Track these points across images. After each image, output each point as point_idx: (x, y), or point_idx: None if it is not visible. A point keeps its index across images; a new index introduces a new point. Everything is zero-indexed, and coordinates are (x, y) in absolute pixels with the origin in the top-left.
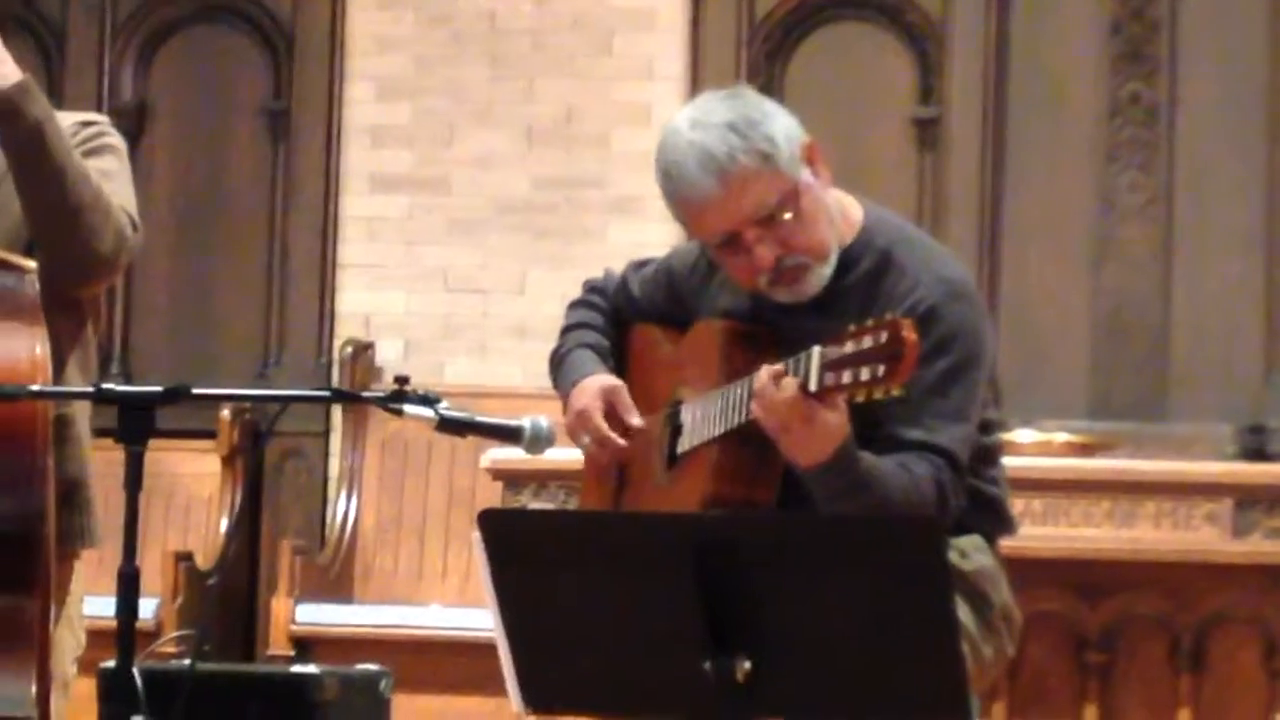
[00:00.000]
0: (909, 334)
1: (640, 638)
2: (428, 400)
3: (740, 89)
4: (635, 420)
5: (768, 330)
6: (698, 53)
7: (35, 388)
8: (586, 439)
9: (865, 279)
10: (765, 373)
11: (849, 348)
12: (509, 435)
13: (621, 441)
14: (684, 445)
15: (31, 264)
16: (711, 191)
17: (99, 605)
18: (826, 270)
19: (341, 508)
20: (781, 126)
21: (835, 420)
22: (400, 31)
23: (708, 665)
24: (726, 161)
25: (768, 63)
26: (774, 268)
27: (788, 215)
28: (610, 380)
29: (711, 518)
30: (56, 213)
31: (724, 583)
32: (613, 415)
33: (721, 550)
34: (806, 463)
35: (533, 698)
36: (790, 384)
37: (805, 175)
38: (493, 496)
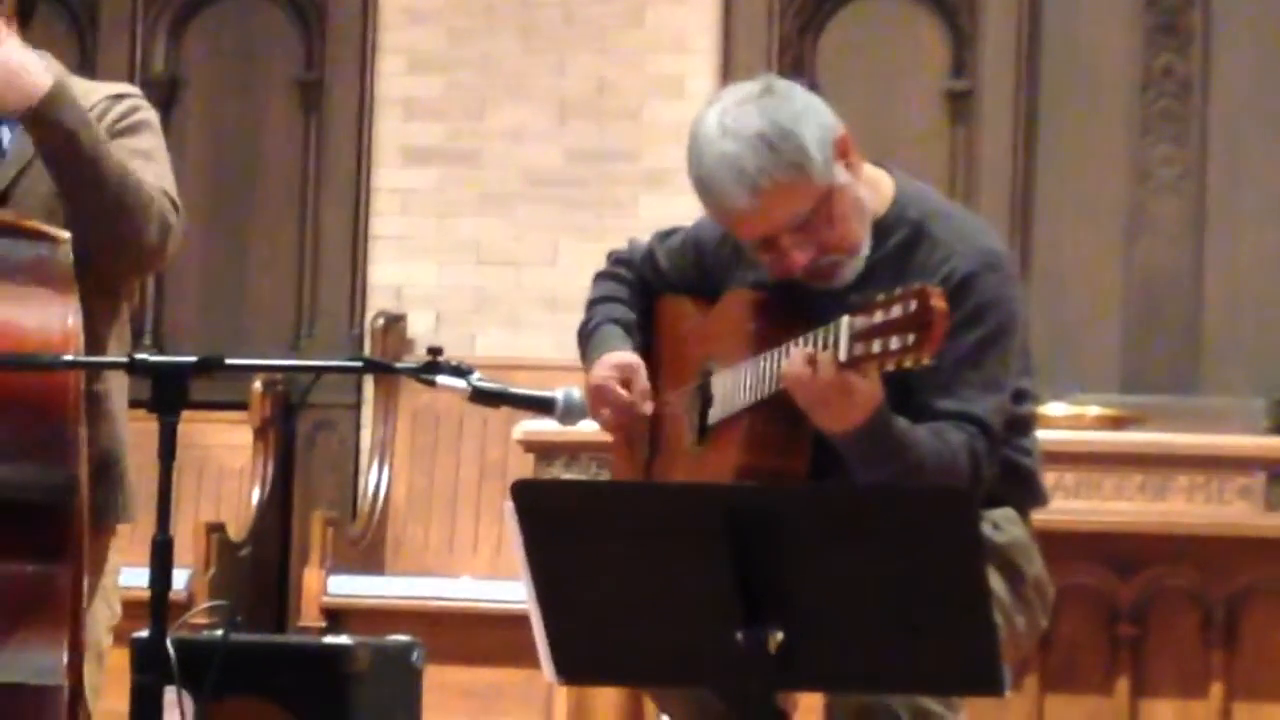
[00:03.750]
0: (938, 302)
1: (672, 608)
2: (460, 371)
3: (771, 83)
4: (646, 405)
5: (798, 301)
6: (729, 25)
7: (68, 357)
8: (606, 411)
9: (898, 251)
10: (798, 354)
11: (878, 317)
12: (541, 406)
13: (640, 408)
14: (715, 416)
15: (65, 234)
16: (746, 205)
17: (132, 575)
18: (860, 260)
19: (373, 479)
20: (814, 130)
21: (868, 387)
22: (432, 4)
23: (740, 636)
24: (759, 177)
25: (799, 35)
26: (809, 266)
27: (821, 219)
28: (627, 356)
29: (744, 488)
30: (99, 212)
31: (756, 553)
32: (627, 389)
33: (754, 520)
34: (840, 429)
35: (565, 668)
36: (826, 363)
37: (839, 175)
38: (524, 468)
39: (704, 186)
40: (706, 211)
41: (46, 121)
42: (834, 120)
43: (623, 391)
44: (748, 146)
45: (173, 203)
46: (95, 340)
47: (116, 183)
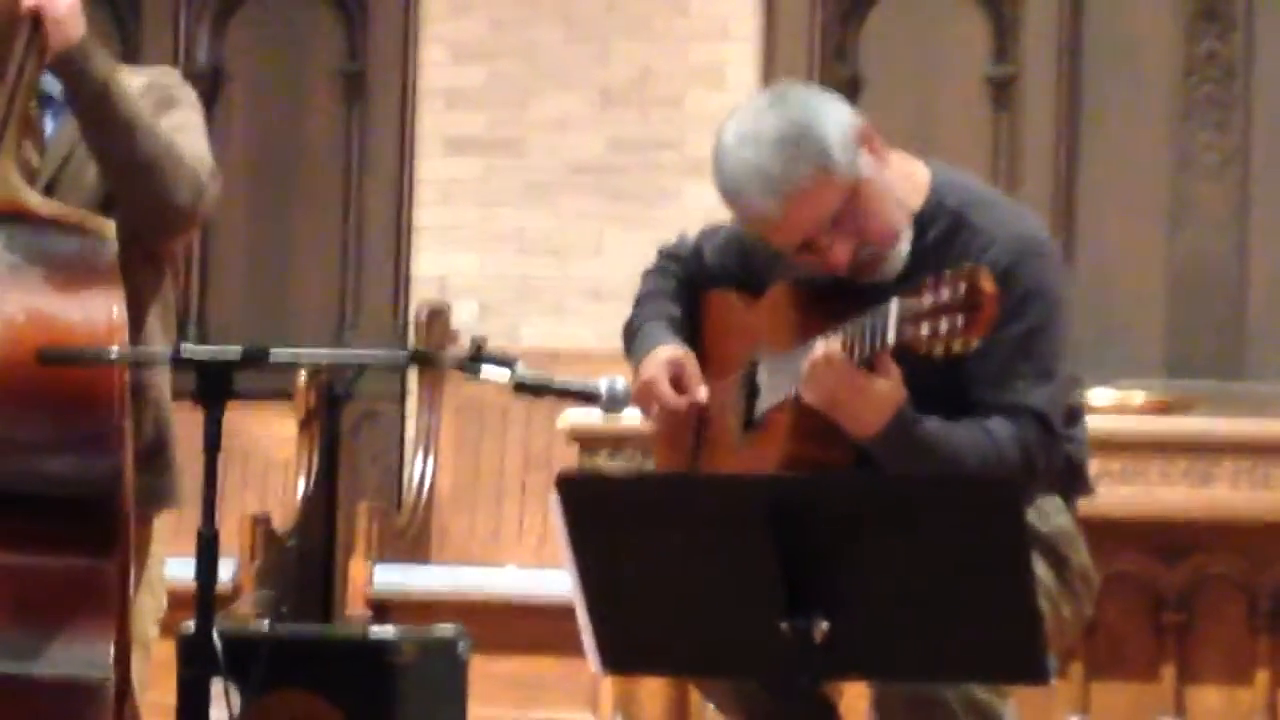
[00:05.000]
0: (987, 284)
1: (718, 599)
2: (504, 362)
3: (784, 89)
4: (700, 391)
5: (845, 293)
6: (772, 13)
7: (115, 352)
8: (655, 407)
9: (939, 242)
10: (816, 348)
11: (927, 300)
12: (585, 397)
13: (684, 406)
14: (760, 407)
15: (109, 224)
16: (775, 211)
17: (178, 567)
18: (903, 248)
19: (418, 470)
20: (833, 126)
21: (885, 388)
22: None
23: (785, 626)
24: (784, 182)
25: (841, 23)
26: (852, 262)
27: (853, 213)
28: (677, 350)
29: (788, 478)
30: (129, 167)
31: (801, 543)
32: (679, 383)
33: (798, 511)
34: (862, 433)
35: (611, 659)
36: (837, 358)
37: (864, 168)
38: (569, 458)
39: (732, 198)
40: (740, 223)
41: (77, 69)
42: (852, 113)
43: (668, 390)
44: (769, 152)
45: (208, 170)
46: (139, 320)
47: (147, 136)
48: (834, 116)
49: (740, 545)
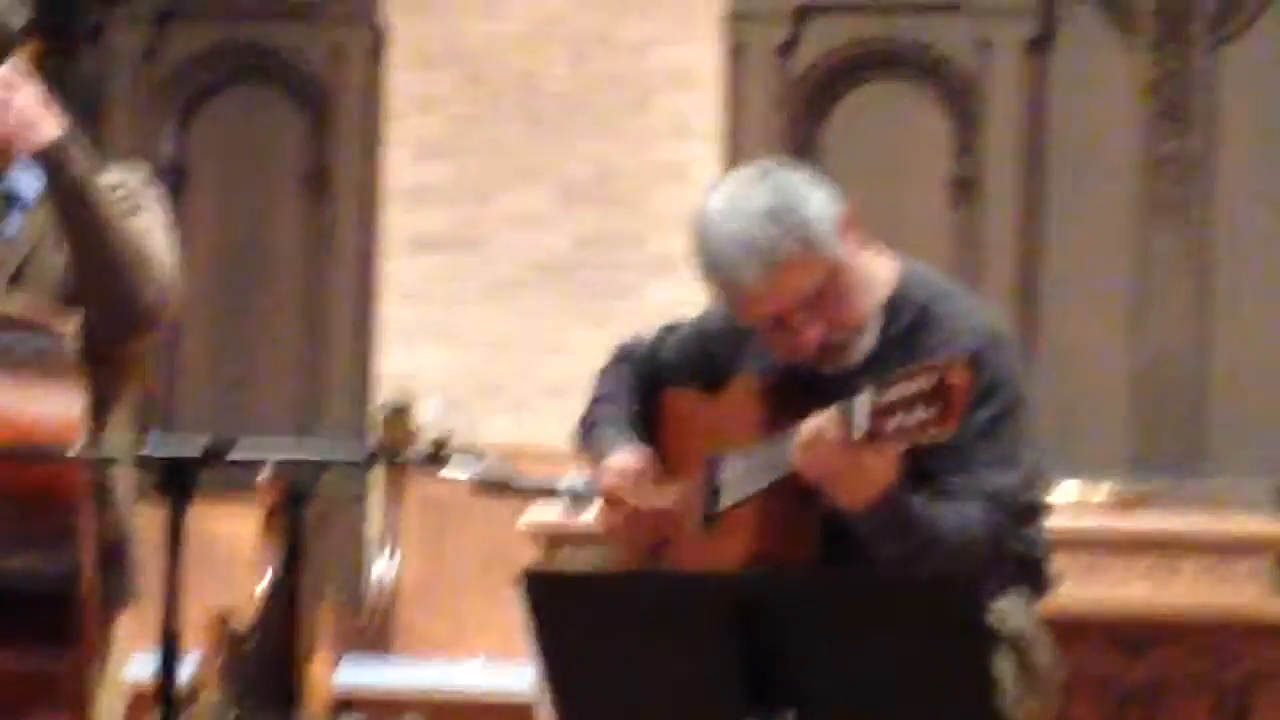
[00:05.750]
0: (958, 377)
1: (682, 694)
2: (467, 459)
3: (770, 167)
4: (664, 492)
5: (807, 386)
6: (735, 112)
7: (73, 451)
8: (622, 510)
9: (905, 333)
10: (810, 423)
11: (896, 392)
12: (549, 495)
13: (652, 508)
14: (724, 503)
15: (71, 324)
16: (756, 282)
17: (138, 664)
18: (869, 337)
19: (380, 567)
20: (817, 206)
21: (881, 464)
22: (437, 91)
23: None
24: (769, 252)
25: (805, 121)
26: (820, 344)
27: (830, 294)
28: (636, 452)
29: (752, 575)
30: (99, 265)
31: (765, 639)
32: (640, 485)
33: (762, 607)
34: (854, 506)
35: None
36: (836, 431)
37: (843, 252)
38: (532, 554)
39: (713, 267)
40: (715, 294)
41: (56, 166)
42: (835, 198)
43: (636, 493)
44: (756, 223)
45: (170, 273)
46: (102, 418)
47: (119, 236)
48: (820, 197)
49: (705, 641)
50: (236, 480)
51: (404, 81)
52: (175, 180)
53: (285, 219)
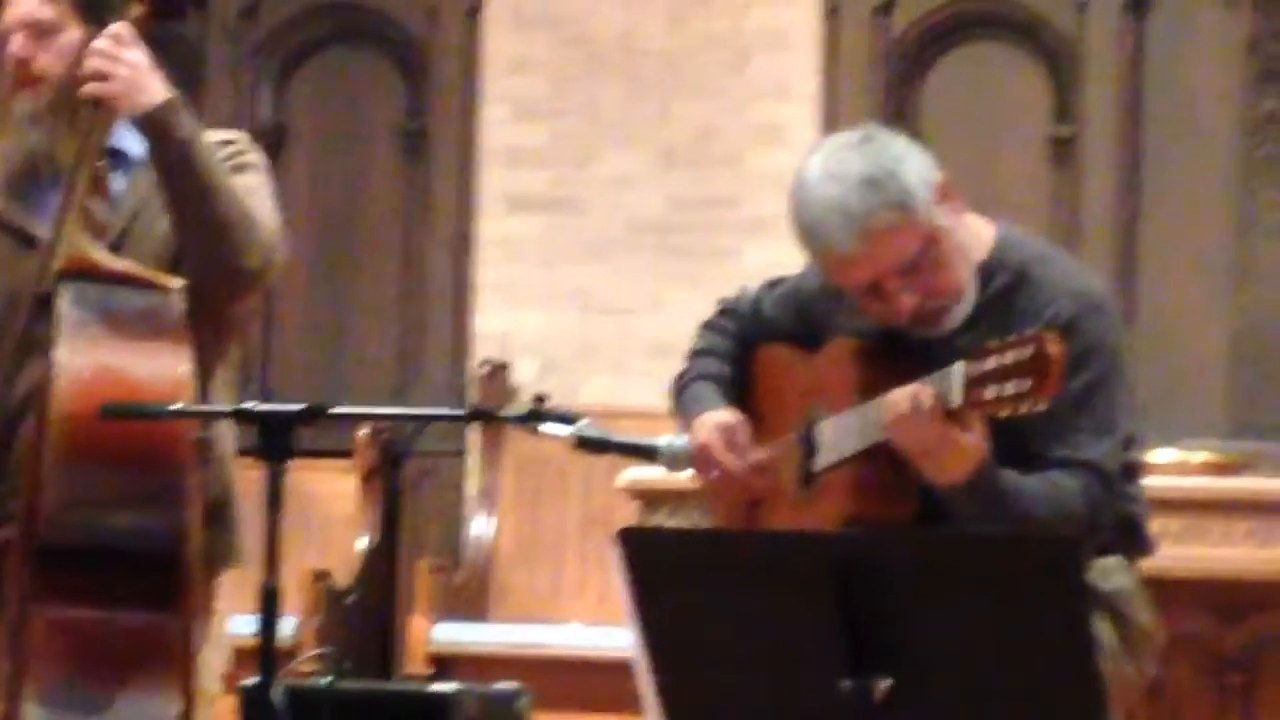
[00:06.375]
0: (1054, 348)
1: (779, 656)
2: (565, 419)
3: (870, 132)
4: (756, 454)
5: (903, 348)
6: (832, 74)
7: (177, 407)
8: (714, 473)
9: (1000, 297)
10: (901, 395)
11: (992, 363)
12: (646, 454)
13: (743, 470)
14: (820, 464)
15: (177, 282)
16: (853, 248)
17: (239, 623)
18: (964, 307)
19: (478, 527)
20: (915, 172)
21: (972, 440)
22: (535, 52)
23: (846, 684)
24: (865, 218)
25: (902, 83)
26: (916, 312)
27: (927, 262)
28: (726, 416)
29: (851, 535)
30: (204, 228)
31: (863, 601)
32: (733, 447)
33: (861, 568)
34: (944, 482)
35: (673, 716)
36: (928, 405)
37: (941, 218)
38: (629, 515)
39: (809, 233)
40: (812, 260)
41: (163, 128)
42: (934, 165)
43: (728, 455)
44: (852, 189)
45: (275, 233)
46: (205, 378)
47: (225, 197)
48: (917, 164)
49: (803, 602)
50: (334, 440)
51: (501, 42)
52: (274, 141)
53: (383, 179)
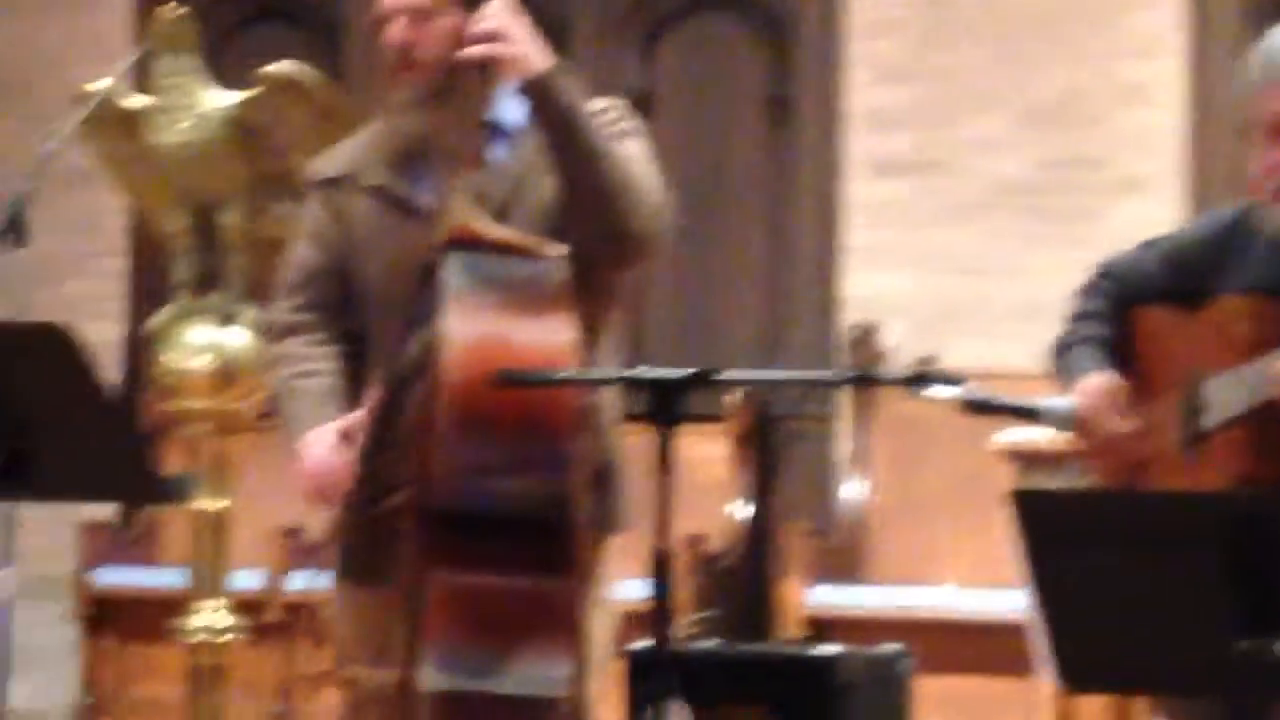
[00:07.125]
0: None
1: (1173, 616)
2: (950, 380)
3: None
4: (1136, 418)
5: None
6: (1202, 28)
7: (570, 373)
8: (1097, 436)
9: None
10: None
11: None
12: (1030, 416)
13: (1128, 432)
14: (1207, 424)
15: (560, 249)
16: None
17: (624, 588)
18: None
19: (850, 489)
20: None
21: None
22: (899, 14)
23: (1243, 645)
24: None
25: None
26: None
27: None
28: (1108, 380)
29: (1249, 495)
30: (591, 194)
31: (1260, 561)
32: (1115, 410)
33: (1258, 528)
34: None
35: (1071, 676)
36: None
37: None
38: (1002, 477)
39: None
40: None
41: (546, 94)
42: None
43: (1113, 418)
44: None
45: (661, 199)
46: (591, 345)
47: (609, 163)
48: None
49: (1198, 562)
50: (704, 405)
51: (864, 5)
52: (640, 109)
53: (748, 145)
